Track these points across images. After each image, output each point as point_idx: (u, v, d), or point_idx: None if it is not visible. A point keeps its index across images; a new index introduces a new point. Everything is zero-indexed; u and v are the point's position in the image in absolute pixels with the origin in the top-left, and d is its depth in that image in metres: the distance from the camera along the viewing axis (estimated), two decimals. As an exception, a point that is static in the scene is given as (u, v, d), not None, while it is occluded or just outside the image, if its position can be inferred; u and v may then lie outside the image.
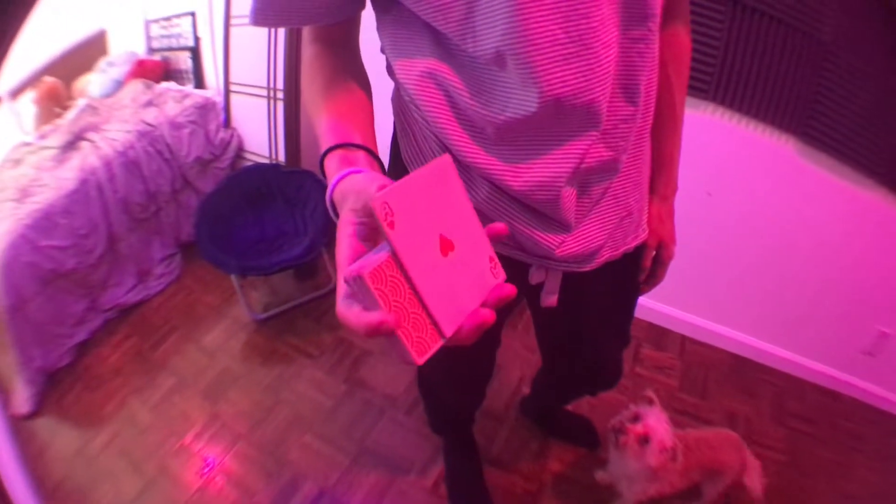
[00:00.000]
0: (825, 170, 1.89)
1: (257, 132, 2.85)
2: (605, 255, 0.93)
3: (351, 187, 0.54)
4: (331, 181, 0.60)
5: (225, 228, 2.42)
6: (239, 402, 2.14)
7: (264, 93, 2.70)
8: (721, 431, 1.73)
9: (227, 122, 2.93)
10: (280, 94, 2.64)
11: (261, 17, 0.73)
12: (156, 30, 3.14)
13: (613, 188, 0.86)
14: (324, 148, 0.67)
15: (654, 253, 1.08)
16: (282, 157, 2.76)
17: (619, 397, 2.01)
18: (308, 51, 0.79)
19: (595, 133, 0.75)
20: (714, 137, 1.95)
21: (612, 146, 0.79)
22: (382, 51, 0.82)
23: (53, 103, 2.79)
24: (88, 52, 3.01)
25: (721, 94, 1.86)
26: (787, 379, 2.29)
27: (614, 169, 0.82)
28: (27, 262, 2.13)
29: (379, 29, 0.81)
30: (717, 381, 2.24)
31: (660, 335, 2.39)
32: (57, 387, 2.22)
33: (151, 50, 3.20)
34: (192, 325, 2.47)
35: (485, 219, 0.82)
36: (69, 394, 2.21)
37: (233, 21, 2.72)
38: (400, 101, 0.86)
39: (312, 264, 2.56)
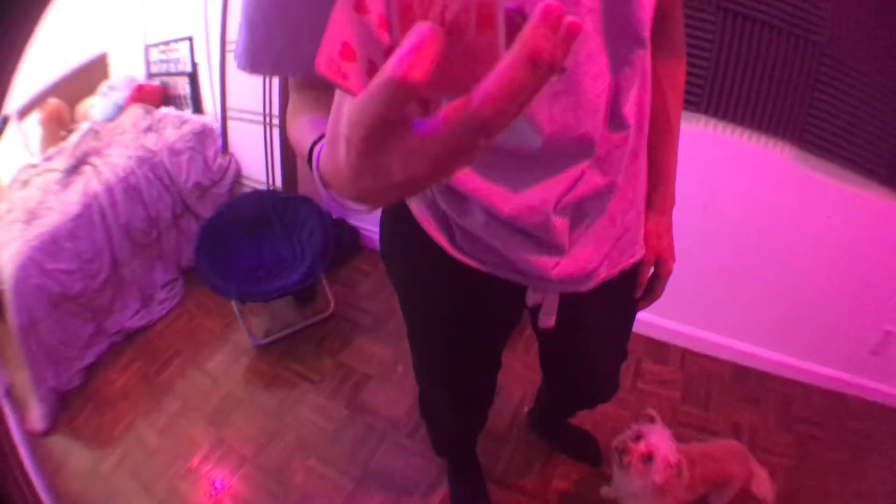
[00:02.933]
0: (823, 174, 1.87)
1: (254, 158, 2.86)
2: (602, 275, 0.93)
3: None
4: (313, 158, 0.51)
5: (224, 254, 2.42)
6: (243, 426, 2.14)
7: (261, 119, 2.70)
8: (725, 443, 1.72)
9: (224, 148, 2.93)
10: (276, 120, 2.64)
11: (255, 61, 0.69)
12: (155, 54, 3.14)
13: (609, 208, 0.85)
14: (309, 143, 0.57)
15: (651, 269, 1.07)
16: (279, 183, 2.76)
17: (622, 412, 2.00)
18: (294, 97, 0.76)
19: (588, 161, 0.75)
20: (708, 149, 1.93)
21: (606, 172, 0.78)
22: None
23: (58, 125, 2.81)
24: (91, 75, 3.03)
25: (714, 105, 1.84)
26: (791, 385, 2.26)
27: (610, 192, 0.81)
28: (36, 284, 2.16)
29: None
30: (719, 392, 2.21)
31: (660, 349, 2.37)
32: (68, 407, 2.25)
33: (151, 75, 3.20)
34: (195, 350, 2.47)
35: (483, 245, 0.82)
36: (80, 415, 2.24)
37: (229, 46, 2.72)
38: None
39: (311, 289, 2.56)
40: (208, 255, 2.37)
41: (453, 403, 1.43)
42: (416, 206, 0.88)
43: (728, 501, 1.66)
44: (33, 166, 2.61)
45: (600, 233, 0.87)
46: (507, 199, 0.76)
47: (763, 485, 1.65)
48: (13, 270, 2.11)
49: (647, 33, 0.71)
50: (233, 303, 2.42)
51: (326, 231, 2.39)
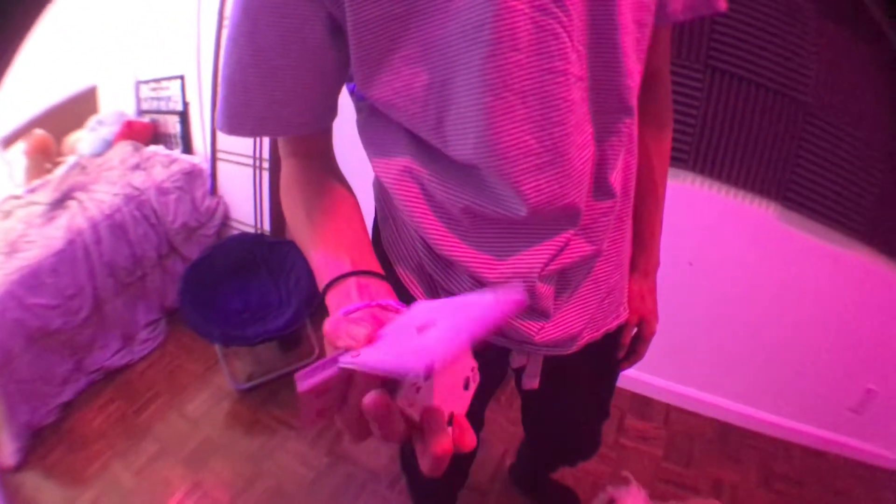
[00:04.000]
0: (806, 232, 1.89)
1: (243, 200, 2.85)
2: (586, 338, 0.92)
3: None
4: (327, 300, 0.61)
5: (209, 297, 2.40)
6: (220, 471, 2.10)
7: (250, 161, 2.70)
8: (704, 502, 1.74)
9: (213, 190, 2.92)
10: (266, 164, 2.65)
11: (235, 123, 0.70)
12: (146, 91, 3.14)
13: (594, 272, 0.85)
14: (320, 288, 0.64)
15: (634, 330, 1.07)
16: (267, 227, 2.75)
17: (604, 468, 1.98)
18: (286, 166, 0.77)
19: (573, 229, 0.75)
20: (694, 206, 1.95)
21: (591, 239, 0.79)
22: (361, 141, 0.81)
23: (43, 157, 2.79)
24: (79, 108, 3.01)
25: (700, 163, 1.87)
26: (773, 443, 2.25)
27: (595, 258, 0.82)
28: (14, 319, 2.12)
29: (358, 124, 0.80)
30: (702, 449, 2.20)
31: (644, 405, 2.35)
32: (42, 444, 2.20)
33: (141, 112, 3.19)
34: (176, 392, 2.43)
35: None
36: (53, 452, 2.18)
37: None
38: (380, 189, 0.86)
39: (296, 335, 2.53)
40: (192, 297, 2.34)
41: None
42: (402, 270, 0.88)
43: None
44: (16, 197, 2.58)
45: (585, 296, 0.87)
46: (493, 267, 0.77)
47: None
48: None
49: (634, 101, 0.72)
50: (216, 346, 2.40)
51: (313, 278, 2.31)
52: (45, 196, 2.52)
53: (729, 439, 2.25)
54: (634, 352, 1.10)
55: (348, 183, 0.78)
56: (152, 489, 2.05)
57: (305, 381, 0.46)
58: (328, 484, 2.03)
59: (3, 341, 2.08)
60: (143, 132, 3.06)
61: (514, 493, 1.99)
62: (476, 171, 0.68)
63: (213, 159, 2.87)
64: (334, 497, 1.99)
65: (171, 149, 3.05)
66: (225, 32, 2.63)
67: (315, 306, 2.37)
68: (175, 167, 2.81)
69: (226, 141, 2.79)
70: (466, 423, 0.48)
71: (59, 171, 2.71)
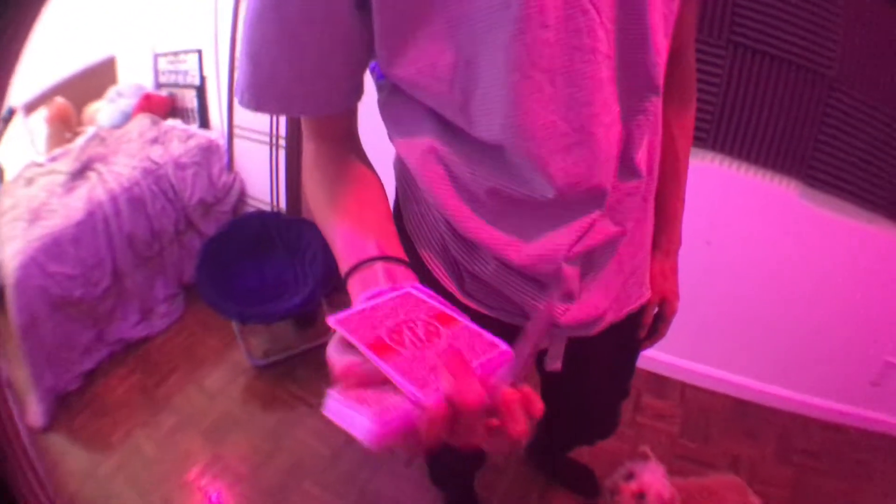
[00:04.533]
0: (827, 208, 1.86)
1: (259, 178, 2.83)
2: (610, 318, 0.92)
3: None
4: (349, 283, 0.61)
5: (226, 274, 2.40)
6: (239, 445, 2.12)
7: (267, 139, 2.68)
8: (723, 477, 1.71)
9: (229, 166, 2.91)
10: (282, 142, 2.63)
11: (260, 100, 0.67)
12: (164, 64, 3.12)
13: (619, 252, 0.84)
14: (343, 272, 0.64)
15: (655, 310, 1.07)
16: (283, 205, 2.74)
17: (621, 446, 1.96)
18: (308, 148, 0.75)
19: (599, 211, 0.73)
20: (713, 184, 1.92)
21: (617, 220, 0.77)
22: (383, 121, 0.79)
23: (64, 126, 2.78)
24: (98, 78, 2.99)
25: (721, 141, 1.83)
26: (790, 418, 2.24)
27: (620, 239, 0.80)
28: (38, 286, 2.14)
29: (380, 104, 0.78)
30: (718, 425, 2.19)
31: (660, 383, 2.34)
32: (67, 409, 2.23)
33: (159, 85, 3.17)
34: (194, 367, 2.45)
35: (494, 292, 0.82)
36: (78, 417, 2.21)
37: (238, 63, 2.69)
38: (403, 170, 0.84)
39: (312, 313, 2.53)
40: (210, 273, 2.34)
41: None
42: (425, 252, 0.87)
43: None
44: (38, 165, 2.59)
45: (609, 277, 0.86)
46: (519, 249, 0.75)
47: None
48: (15, 268, 2.09)
49: (661, 80, 0.69)
50: (233, 322, 2.40)
51: (329, 255, 2.29)
52: (66, 165, 2.52)
53: (745, 415, 2.24)
54: (656, 331, 1.10)
55: (373, 166, 0.76)
56: (174, 459, 2.08)
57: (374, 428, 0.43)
58: (346, 460, 2.04)
59: (29, 305, 2.10)
60: (161, 105, 3.04)
61: (530, 471, 1.98)
62: (502, 152, 0.66)
63: (230, 135, 2.85)
64: (351, 474, 1.99)
65: (188, 123, 3.04)
66: (244, 6, 2.63)
67: (332, 286, 2.36)
68: (192, 142, 2.80)
69: (243, 117, 2.77)
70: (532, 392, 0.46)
71: (79, 142, 2.69)
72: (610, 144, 0.67)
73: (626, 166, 0.73)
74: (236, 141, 2.86)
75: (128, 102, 2.96)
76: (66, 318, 2.25)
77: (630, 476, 1.49)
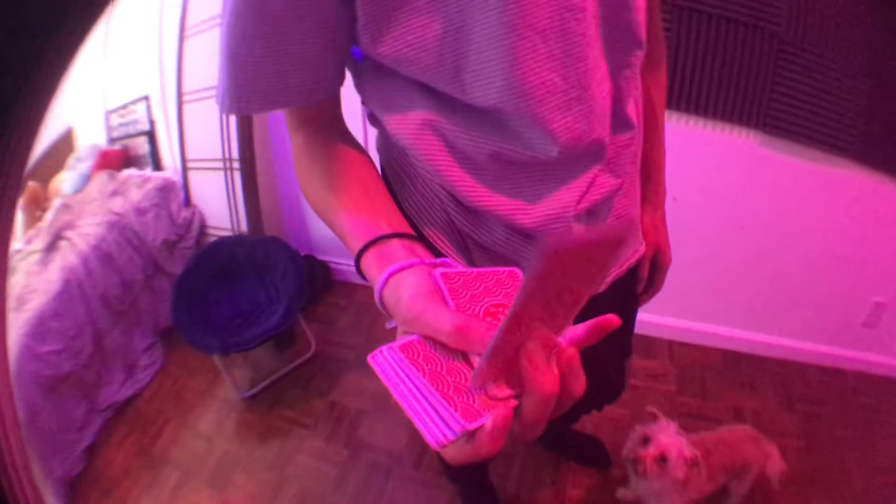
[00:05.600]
0: (792, 155, 1.87)
1: (218, 206, 2.78)
2: (613, 274, 0.91)
3: (416, 313, 0.49)
4: (374, 285, 0.55)
5: (201, 309, 2.33)
6: (245, 484, 2.03)
7: (220, 165, 2.64)
8: (736, 428, 1.67)
9: (187, 201, 2.86)
10: (236, 164, 2.59)
11: (243, 102, 0.65)
12: (115, 119, 3.07)
13: (615, 207, 0.84)
14: (354, 251, 0.61)
15: (650, 262, 1.07)
16: (244, 227, 2.69)
17: (621, 412, 1.96)
18: (296, 140, 0.72)
19: (599, 165, 0.74)
20: (674, 143, 1.88)
21: (616, 174, 0.77)
22: (365, 104, 0.77)
23: (35, 207, 2.73)
24: (59, 151, 2.95)
25: (676, 100, 1.84)
26: (785, 365, 2.23)
27: (618, 192, 0.81)
28: (31, 372, 2.07)
29: (360, 87, 0.75)
30: (714, 379, 2.18)
31: (646, 344, 2.33)
32: (77, 494, 2.13)
33: (112, 140, 3.11)
34: (185, 413, 2.36)
35: (502, 260, 0.80)
36: (89, 501, 2.12)
37: (185, 98, 2.67)
38: (392, 151, 0.81)
39: (291, 332, 2.47)
40: (185, 312, 2.27)
41: None
42: (429, 231, 0.83)
43: (748, 488, 1.62)
44: (17, 251, 2.53)
45: None
46: (527, 212, 0.73)
47: (775, 464, 1.60)
48: (13, 363, 1.99)
49: (643, 35, 0.71)
50: (215, 357, 2.32)
51: (299, 269, 2.31)
52: (40, 243, 2.48)
53: (740, 367, 2.23)
54: (653, 283, 1.10)
55: (359, 143, 0.73)
56: None
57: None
58: (354, 476, 1.98)
59: (26, 397, 2.03)
60: (116, 159, 2.99)
61: (539, 453, 1.95)
62: (500, 116, 0.65)
63: (184, 169, 2.81)
64: (364, 488, 1.93)
65: (142, 169, 2.98)
66: (188, 43, 2.59)
67: (305, 300, 2.30)
68: (149, 185, 2.75)
69: (194, 150, 2.74)
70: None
71: (49, 216, 2.65)
72: (604, 98, 0.68)
73: (619, 119, 0.74)
74: (191, 174, 2.82)
75: (86, 165, 2.92)
76: (60, 398, 2.18)
77: (646, 440, 1.45)
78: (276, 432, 2.20)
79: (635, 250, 0.98)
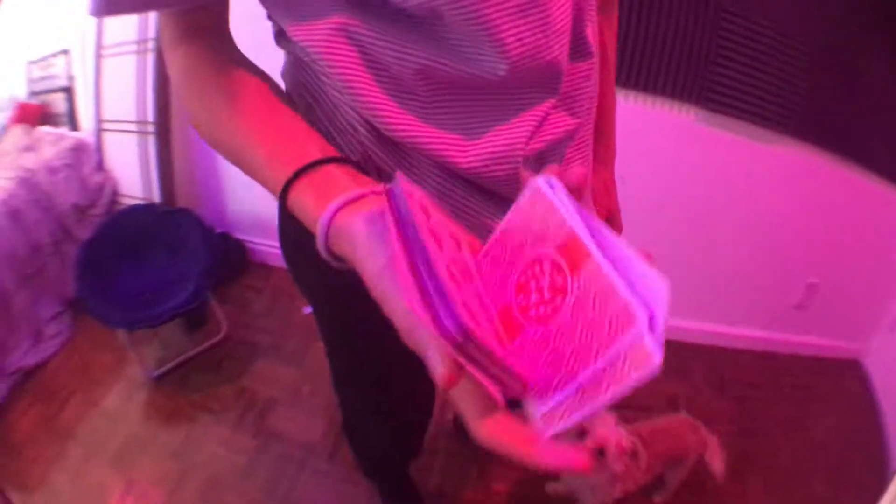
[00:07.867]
0: (729, 132, 1.78)
1: (131, 173, 2.57)
2: None
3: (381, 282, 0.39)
4: (314, 223, 0.44)
5: (107, 280, 2.12)
6: (150, 467, 1.87)
7: (135, 128, 2.44)
8: (673, 417, 1.61)
9: (100, 164, 2.65)
10: (151, 128, 2.38)
11: (111, 2, 0.50)
12: (35, 71, 2.84)
13: (566, 157, 0.67)
14: (277, 181, 0.48)
15: None
16: (157, 197, 2.50)
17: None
18: (176, 58, 0.56)
19: (553, 98, 0.59)
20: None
21: (574, 112, 0.63)
22: (270, 18, 0.60)
23: None
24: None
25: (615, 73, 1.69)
26: (717, 352, 2.19)
27: (571, 137, 0.65)
28: None
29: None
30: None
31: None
32: None
33: (32, 93, 2.89)
34: (91, 388, 2.15)
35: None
36: None
37: (104, 52, 2.42)
38: (299, 72, 0.62)
39: (201, 311, 2.28)
40: (90, 282, 2.06)
41: (385, 429, 1.23)
42: None
43: (683, 477, 1.60)
44: None
45: None
46: (464, 149, 0.57)
47: (715, 455, 1.58)
48: None
49: None
50: (121, 333, 2.13)
51: (210, 246, 2.13)
52: None
53: (668, 353, 2.10)
54: None
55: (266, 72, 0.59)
56: (88, 494, 1.82)
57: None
58: (264, 467, 1.83)
59: None
60: (33, 114, 2.77)
61: (462, 447, 1.84)
62: (436, 23, 0.50)
63: (99, 131, 2.59)
64: (274, 479, 1.79)
65: (58, 127, 2.76)
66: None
67: (217, 279, 2.13)
68: (63, 144, 2.54)
69: (111, 109, 2.51)
70: None
71: None
72: (563, 14, 0.54)
73: (578, 43, 0.60)
74: (106, 136, 2.60)
75: (3, 116, 2.72)
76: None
77: (582, 433, 1.35)
78: (183, 417, 2.03)
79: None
